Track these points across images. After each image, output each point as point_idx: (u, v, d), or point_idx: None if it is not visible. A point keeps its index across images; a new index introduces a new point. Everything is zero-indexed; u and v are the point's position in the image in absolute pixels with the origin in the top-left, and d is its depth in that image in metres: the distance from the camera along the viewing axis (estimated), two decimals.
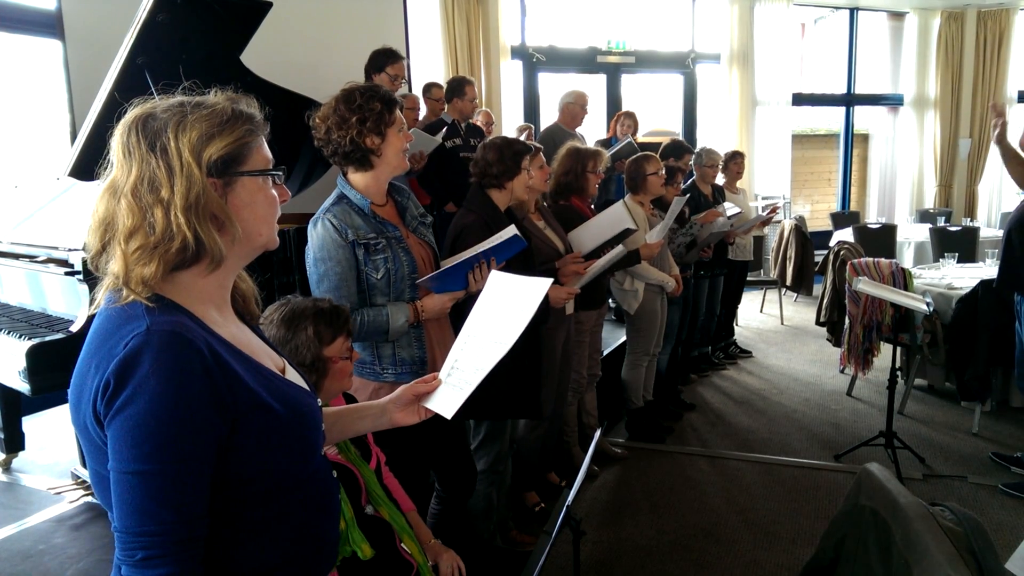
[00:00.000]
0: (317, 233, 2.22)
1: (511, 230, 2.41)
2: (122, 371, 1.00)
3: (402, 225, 2.36)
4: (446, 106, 5.20)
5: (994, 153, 9.38)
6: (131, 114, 1.11)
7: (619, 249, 3.29)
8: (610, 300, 4.47)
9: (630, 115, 6.39)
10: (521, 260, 2.72)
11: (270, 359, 1.24)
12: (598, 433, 2.43)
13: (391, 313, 2.22)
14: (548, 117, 7.19)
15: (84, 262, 2.76)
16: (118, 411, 1.00)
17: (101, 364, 1.03)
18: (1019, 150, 3.65)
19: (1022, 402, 4.63)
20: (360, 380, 2.35)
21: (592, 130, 6.28)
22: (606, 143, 5.85)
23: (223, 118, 1.11)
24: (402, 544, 1.94)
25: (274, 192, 1.19)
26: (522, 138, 5.73)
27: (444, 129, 4.93)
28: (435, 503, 2.62)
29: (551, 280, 1.36)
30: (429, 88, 5.49)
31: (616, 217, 3.45)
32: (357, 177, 2.27)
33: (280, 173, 1.20)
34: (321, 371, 1.83)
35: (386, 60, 4.41)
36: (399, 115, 2.23)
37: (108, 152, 1.12)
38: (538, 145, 3.34)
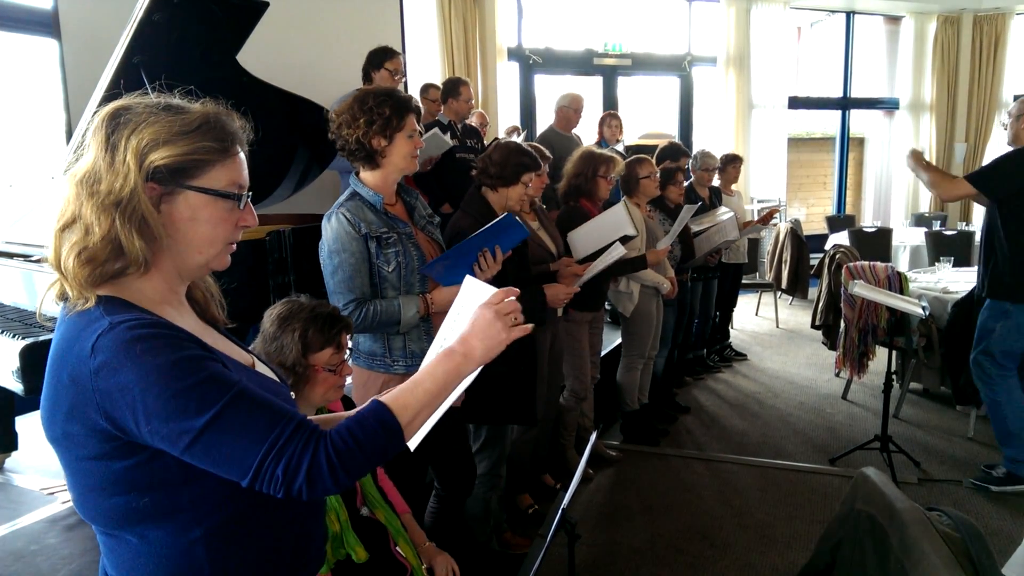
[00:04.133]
0: (331, 227, 2.27)
1: (507, 214, 2.45)
2: (115, 378, 0.99)
3: (411, 223, 2.41)
4: (442, 107, 5.19)
5: (989, 157, 9.43)
6: (111, 105, 1.11)
7: (619, 250, 3.28)
8: (605, 303, 4.46)
9: (615, 116, 6.38)
10: (516, 262, 2.72)
11: (237, 355, 1.24)
12: (594, 436, 2.42)
13: (403, 304, 2.27)
14: (544, 119, 7.21)
15: None
16: (147, 412, 0.99)
17: (76, 375, 1.02)
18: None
19: None
20: (370, 373, 2.38)
21: (589, 133, 6.27)
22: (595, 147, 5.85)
23: (183, 128, 1.09)
24: (397, 547, 1.93)
25: (230, 215, 1.15)
26: (515, 139, 5.73)
27: (439, 130, 4.93)
28: (433, 502, 2.62)
29: (517, 290, 1.35)
30: (426, 89, 5.49)
31: (616, 222, 3.44)
32: (368, 175, 2.33)
33: (236, 198, 1.14)
34: (301, 376, 1.81)
35: (384, 57, 4.42)
36: (411, 121, 2.28)
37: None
38: (547, 156, 3.35)
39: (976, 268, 3.85)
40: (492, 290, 1.34)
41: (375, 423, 1.10)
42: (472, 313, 1.27)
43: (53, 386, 1.06)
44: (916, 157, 3.80)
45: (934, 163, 9.64)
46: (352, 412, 1.53)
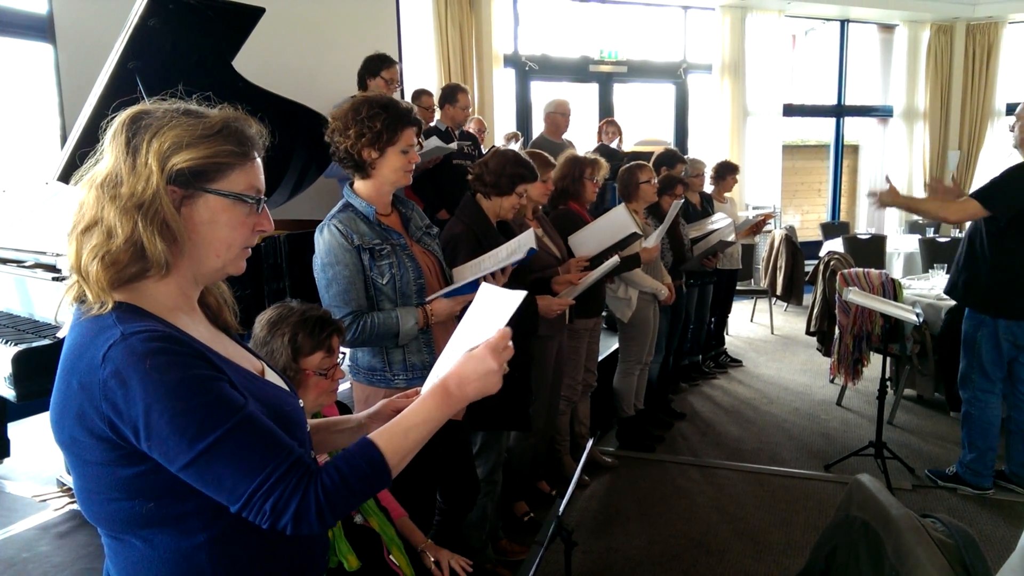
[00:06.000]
0: (324, 239, 2.24)
1: (529, 236, 2.44)
2: (122, 391, 0.99)
3: (406, 234, 2.38)
4: (437, 112, 5.20)
5: (982, 165, 9.51)
6: (131, 109, 1.12)
7: (614, 260, 3.29)
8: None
9: (612, 123, 6.42)
10: (513, 271, 2.71)
11: (248, 362, 1.24)
12: (590, 443, 2.42)
13: (401, 316, 2.23)
14: (541, 126, 7.25)
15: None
16: (148, 428, 0.99)
17: (86, 382, 1.02)
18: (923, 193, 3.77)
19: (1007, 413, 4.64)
20: (371, 388, 2.36)
21: (582, 139, 6.29)
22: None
23: (205, 131, 1.11)
24: (390, 556, 1.92)
25: (248, 219, 1.16)
26: (512, 146, 5.74)
27: (435, 136, 4.94)
28: (436, 515, 2.62)
29: (524, 292, 1.34)
30: (419, 95, 5.50)
31: (620, 222, 3.45)
32: (361, 185, 2.30)
33: (254, 201, 1.16)
34: (292, 381, 1.80)
35: (381, 65, 4.42)
36: (407, 135, 2.23)
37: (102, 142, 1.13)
38: (551, 163, 3.35)
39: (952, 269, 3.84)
40: (514, 296, 1.30)
41: (366, 466, 1.12)
42: (477, 353, 1.25)
43: (63, 391, 1.06)
44: (893, 197, 3.72)
45: (927, 172, 9.72)
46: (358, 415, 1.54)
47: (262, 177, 1.19)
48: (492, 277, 2.39)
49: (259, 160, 1.19)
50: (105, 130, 1.12)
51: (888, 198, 3.74)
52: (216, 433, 1.01)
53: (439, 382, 1.24)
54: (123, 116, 1.11)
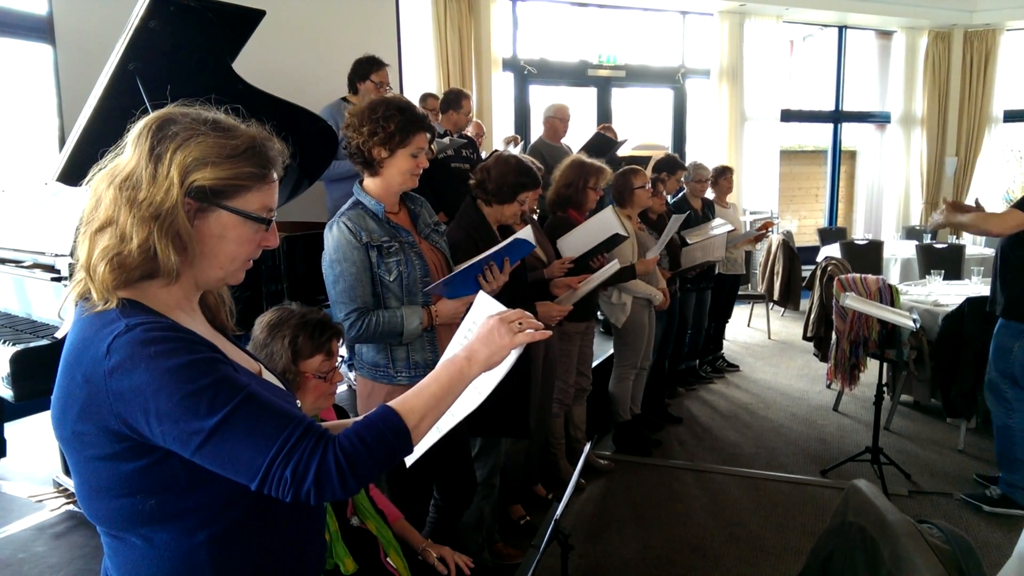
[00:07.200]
0: (333, 236, 2.27)
1: (528, 231, 2.45)
2: (128, 379, 1.00)
3: (414, 231, 2.41)
4: (440, 116, 5.20)
5: (979, 172, 9.53)
6: (160, 111, 1.13)
7: (614, 264, 3.30)
8: (598, 313, 4.47)
9: (609, 128, 6.44)
10: (512, 275, 2.72)
11: (246, 363, 1.25)
12: (587, 447, 2.42)
13: (405, 315, 2.26)
14: (539, 130, 7.27)
15: (70, 267, 2.74)
16: (158, 413, 1.00)
17: (90, 374, 1.03)
18: (973, 208, 3.70)
19: None
20: (373, 383, 2.38)
21: (579, 143, 6.29)
22: None
23: (231, 152, 1.11)
24: (387, 558, 1.92)
25: (255, 236, 1.18)
26: (512, 149, 5.74)
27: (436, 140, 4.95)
28: (433, 512, 2.62)
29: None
30: (425, 98, 5.51)
31: (605, 223, 3.45)
32: (370, 183, 2.34)
33: (265, 224, 1.18)
34: (291, 383, 1.80)
35: (370, 68, 4.42)
36: (419, 139, 2.27)
37: (126, 135, 1.13)
38: (540, 168, 3.35)
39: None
40: (503, 309, 1.34)
41: (383, 426, 1.11)
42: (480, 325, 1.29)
43: (66, 386, 1.07)
44: (950, 210, 3.65)
45: (925, 177, 9.74)
46: (357, 418, 1.54)
47: (276, 196, 1.20)
48: (492, 273, 2.39)
49: (277, 181, 1.20)
50: (130, 128, 1.12)
51: (948, 211, 3.68)
52: (226, 409, 1.01)
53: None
54: (149, 119, 1.12)
